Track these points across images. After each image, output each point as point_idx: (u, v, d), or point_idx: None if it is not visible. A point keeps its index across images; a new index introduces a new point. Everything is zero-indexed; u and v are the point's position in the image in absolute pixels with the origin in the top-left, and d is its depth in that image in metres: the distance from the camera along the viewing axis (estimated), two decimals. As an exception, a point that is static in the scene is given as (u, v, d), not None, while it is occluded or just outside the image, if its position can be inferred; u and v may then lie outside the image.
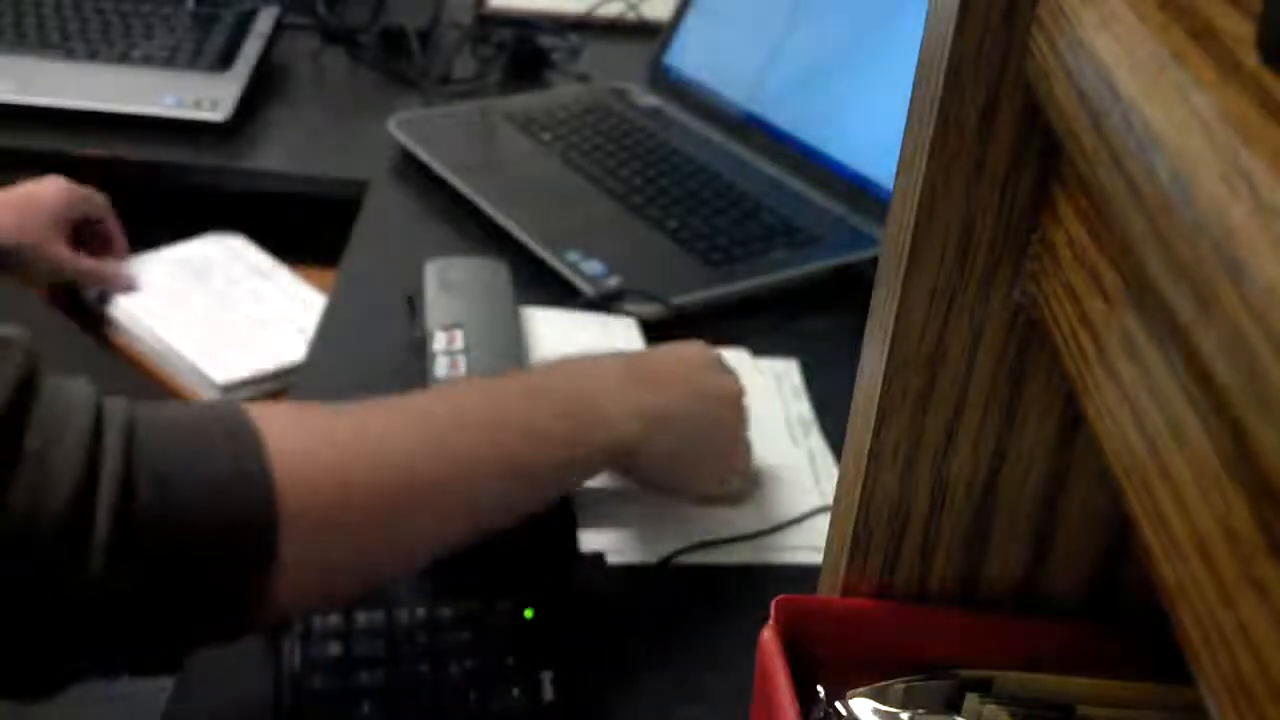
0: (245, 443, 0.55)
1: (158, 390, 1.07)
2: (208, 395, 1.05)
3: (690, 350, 0.80)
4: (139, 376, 1.11)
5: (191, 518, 0.53)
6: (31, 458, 0.50)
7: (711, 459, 0.79)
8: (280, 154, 1.30)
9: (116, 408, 0.54)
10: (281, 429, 0.57)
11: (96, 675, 0.56)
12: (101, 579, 0.51)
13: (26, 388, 0.52)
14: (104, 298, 1.15)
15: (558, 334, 0.97)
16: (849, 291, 1.05)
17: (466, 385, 0.78)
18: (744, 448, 0.81)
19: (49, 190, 1.11)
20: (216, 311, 1.14)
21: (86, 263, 1.14)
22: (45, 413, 0.52)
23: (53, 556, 0.50)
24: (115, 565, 0.51)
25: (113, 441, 0.52)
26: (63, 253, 1.11)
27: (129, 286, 1.15)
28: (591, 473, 0.73)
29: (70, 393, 0.53)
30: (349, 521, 0.58)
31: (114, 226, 1.18)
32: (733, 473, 0.81)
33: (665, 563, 0.79)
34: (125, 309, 1.13)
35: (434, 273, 0.96)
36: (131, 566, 0.51)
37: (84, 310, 1.15)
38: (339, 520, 0.58)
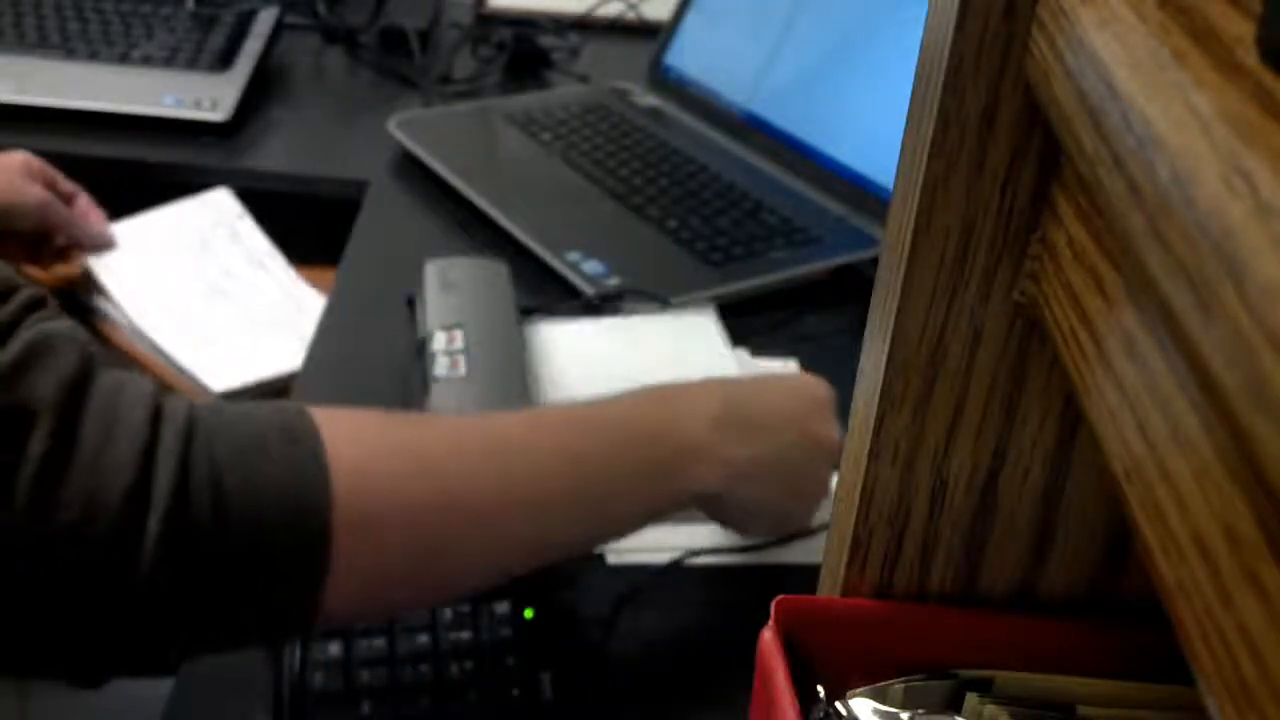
0: (305, 450, 0.54)
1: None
2: (205, 400, 1.05)
3: (806, 388, 0.76)
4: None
5: (245, 524, 0.52)
6: (87, 454, 0.50)
7: (793, 506, 0.75)
8: (280, 154, 1.30)
9: (177, 406, 0.54)
10: (343, 437, 0.56)
11: (143, 670, 0.55)
12: (151, 578, 0.50)
13: (82, 385, 0.51)
14: (95, 285, 1.14)
15: (621, 342, 0.97)
16: (849, 291, 1.05)
17: (550, 410, 0.74)
18: (825, 491, 0.76)
19: (15, 156, 1.12)
20: (215, 311, 1.13)
21: (68, 212, 1.13)
22: (102, 410, 0.51)
23: (105, 553, 0.50)
24: (165, 565, 0.51)
25: (170, 441, 0.52)
26: (43, 195, 1.11)
27: (107, 245, 1.15)
28: (671, 513, 0.69)
29: (129, 390, 0.53)
30: (405, 537, 0.57)
31: (86, 198, 1.17)
32: (807, 516, 0.77)
33: (667, 568, 0.78)
34: (123, 310, 1.13)
35: (434, 273, 0.96)
36: (182, 568, 0.51)
37: (82, 310, 1.15)
38: (395, 535, 0.57)
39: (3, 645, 0.52)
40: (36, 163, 1.13)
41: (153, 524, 0.50)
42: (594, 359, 0.95)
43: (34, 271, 1.13)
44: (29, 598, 0.50)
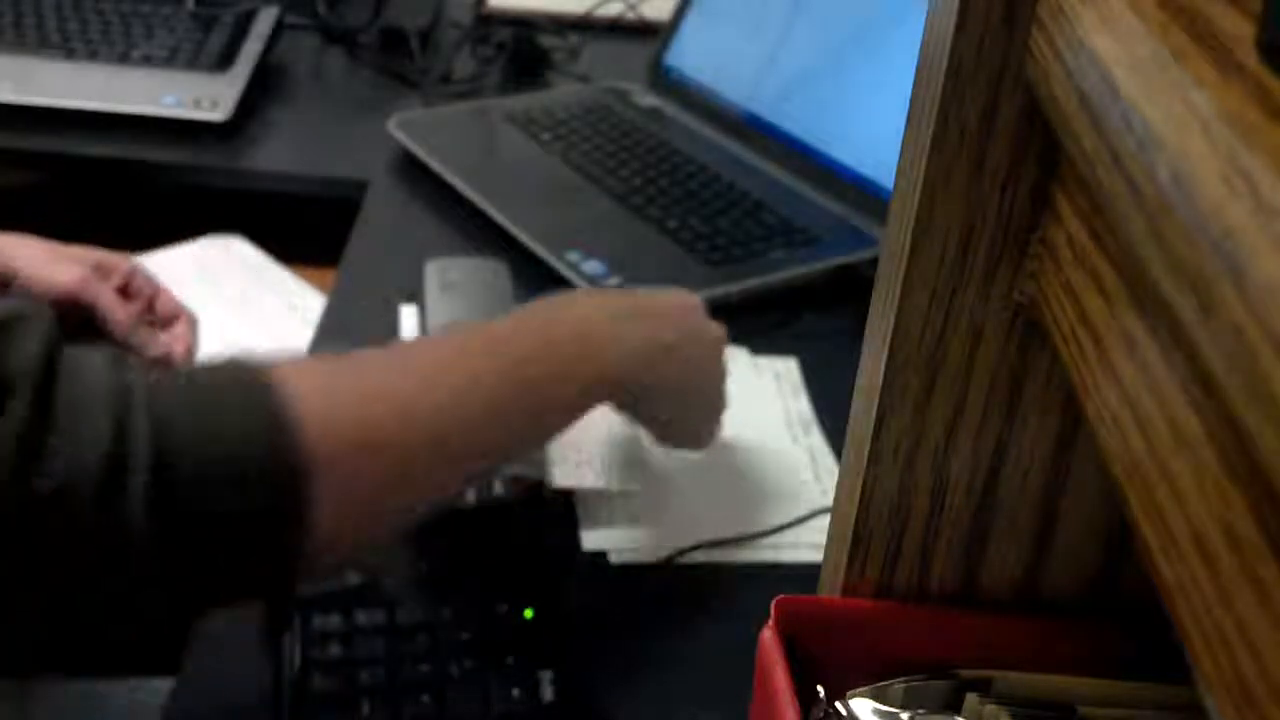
0: (269, 397, 0.56)
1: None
2: None
3: (680, 294, 0.81)
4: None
5: (225, 475, 0.53)
6: (64, 422, 0.51)
7: (703, 403, 0.80)
8: (280, 154, 1.30)
9: (139, 371, 0.55)
10: (299, 379, 0.58)
11: (138, 640, 0.56)
12: (140, 540, 0.51)
13: (52, 356, 0.52)
14: None
15: None
16: (849, 291, 1.05)
17: (467, 331, 0.76)
18: (725, 400, 0.81)
19: (95, 252, 0.99)
20: (221, 324, 1.13)
21: (108, 303, 0.96)
22: (71, 379, 0.52)
23: (93, 519, 0.50)
24: (152, 525, 0.51)
25: (140, 403, 0.53)
26: (72, 279, 0.95)
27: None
28: (597, 403, 0.73)
29: (92, 358, 0.54)
30: (372, 462, 0.59)
31: (182, 324, 1.01)
32: (714, 425, 0.81)
33: (667, 563, 0.79)
34: None
35: (434, 273, 0.96)
36: (168, 528, 0.52)
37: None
38: (363, 461, 0.58)
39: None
40: (120, 264, 0.98)
41: (135, 484, 0.51)
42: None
43: None
44: (20, 581, 0.51)
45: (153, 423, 0.52)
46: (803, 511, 0.83)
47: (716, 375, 0.80)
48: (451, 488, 0.67)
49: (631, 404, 0.75)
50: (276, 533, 0.55)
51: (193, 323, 1.00)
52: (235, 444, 0.54)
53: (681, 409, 0.78)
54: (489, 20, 1.54)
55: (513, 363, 0.67)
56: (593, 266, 1.05)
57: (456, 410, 0.63)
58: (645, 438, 0.84)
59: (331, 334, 1.00)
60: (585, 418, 0.81)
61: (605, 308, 0.74)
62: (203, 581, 0.55)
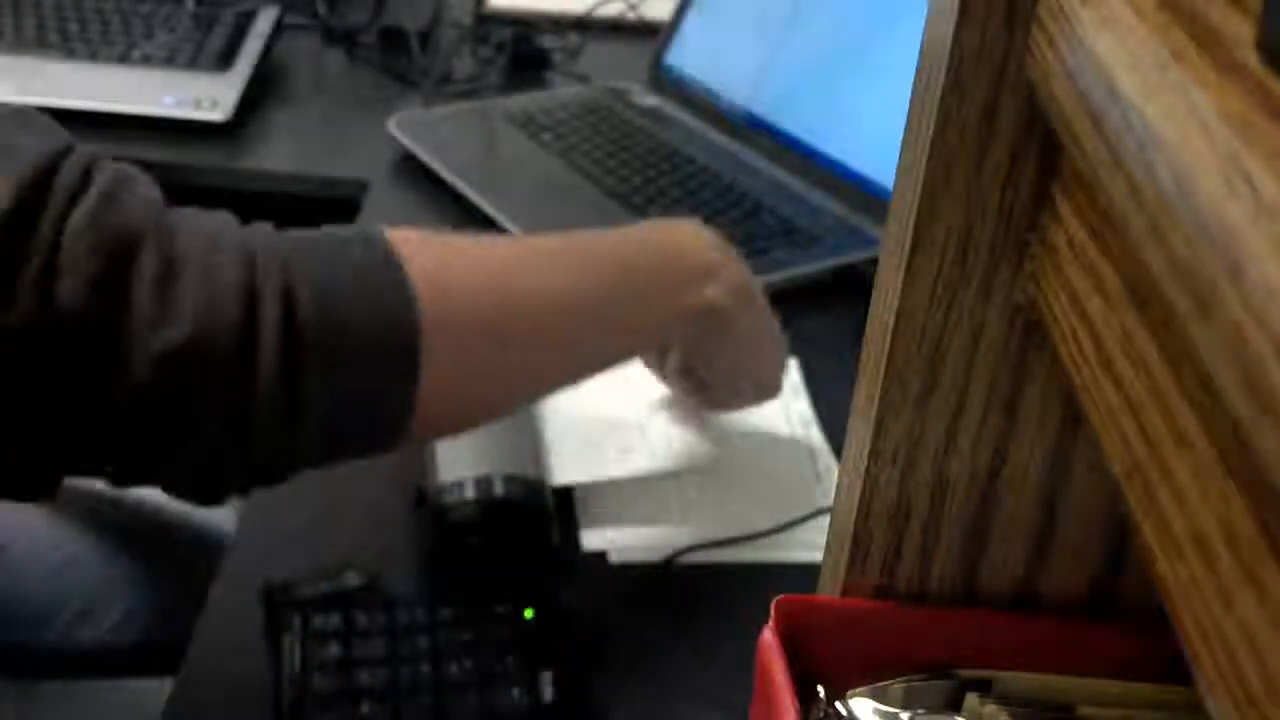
0: (388, 261, 0.58)
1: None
2: None
3: None
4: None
5: (348, 330, 0.55)
6: (195, 270, 0.52)
7: (766, 360, 0.81)
8: (280, 154, 1.30)
9: (260, 227, 0.57)
10: (415, 249, 0.59)
11: (257, 483, 0.59)
12: (270, 389, 0.53)
13: (169, 210, 0.54)
14: None
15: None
16: (849, 291, 1.05)
17: (581, 233, 0.77)
18: (778, 384, 0.83)
19: None
20: None
21: None
22: (196, 230, 0.54)
23: (226, 367, 0.52)
24: (281, 376, 0.53)
25: (267, 256, 0.54)
26: None
27: None
28: (685, 329, 0.74)
29: (212, 215, 0.56)
30: (479, 338, 0.60)
31: None
32: (753, 398, 0.83)
33: (667, 563, 0.79)
34: None
35: (434, 273, 0.95)
36: (295, 378, 0.53)
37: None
38: (471, 336, 0.60)
39: (131, 460, 0.55)
40: None
41: (266, 335, 0.53)
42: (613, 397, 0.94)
43: None
44: (157, 413, 0.52)
45: (282, 276, 0.54)
46: (803, 511, 0.83)
47: (780, 342, 0.81)
48: (545, 383, 0.68)
49: (706, 336, 0.75)
50: (390, 393, 0.57)
51: None
52: (358, 304, 0.56)
53: (744, 357, 0.79)
54: (489, 20, 1.54)
55: (622, 268, 0.69)
56: (593, 266, 1.04)
57: (558, 302, 0.65)
58: (665, 408, 0.85)
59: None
60: (582, 414, 0.81)
61: (714, 242, 0.75)
62: (319, 433, 0.56)
